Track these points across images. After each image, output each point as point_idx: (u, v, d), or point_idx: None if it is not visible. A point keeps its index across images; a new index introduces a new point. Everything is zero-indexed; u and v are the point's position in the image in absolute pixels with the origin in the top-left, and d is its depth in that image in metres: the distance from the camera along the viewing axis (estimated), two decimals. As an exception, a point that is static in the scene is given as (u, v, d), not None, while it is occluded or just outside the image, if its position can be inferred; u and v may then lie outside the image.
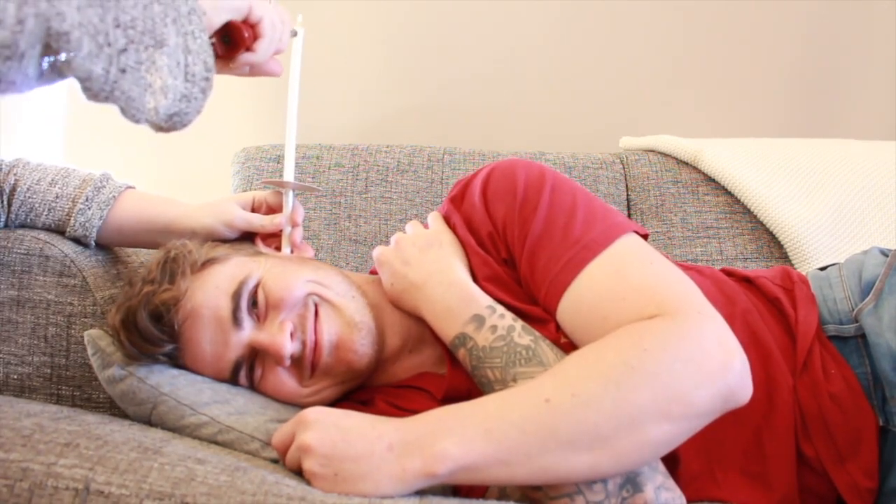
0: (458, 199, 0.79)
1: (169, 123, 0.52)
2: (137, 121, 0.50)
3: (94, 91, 0.47)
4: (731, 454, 0.72)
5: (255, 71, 0.69)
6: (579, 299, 0.67)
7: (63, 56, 0.44)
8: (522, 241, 0.72)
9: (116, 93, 0.47)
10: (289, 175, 0.86)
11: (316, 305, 0.75)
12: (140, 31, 0.47)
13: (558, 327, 0.70)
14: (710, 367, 0.59)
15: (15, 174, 0.86)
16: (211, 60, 0.54)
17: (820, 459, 0.72)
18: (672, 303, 0.63)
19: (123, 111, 0.49)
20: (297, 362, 0.74)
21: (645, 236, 0.73)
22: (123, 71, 0.47)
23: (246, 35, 0.63)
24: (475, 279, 0.75)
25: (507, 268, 0.75)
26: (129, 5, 0.47)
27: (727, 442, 0.72)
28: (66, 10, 0.43)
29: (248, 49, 0.65)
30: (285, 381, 0.74)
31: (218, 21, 0.60)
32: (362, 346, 0.75)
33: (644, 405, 0.57)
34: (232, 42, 0.63)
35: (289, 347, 0.71)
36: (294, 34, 0.83)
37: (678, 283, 0.67)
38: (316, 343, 0.73)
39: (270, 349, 0.72)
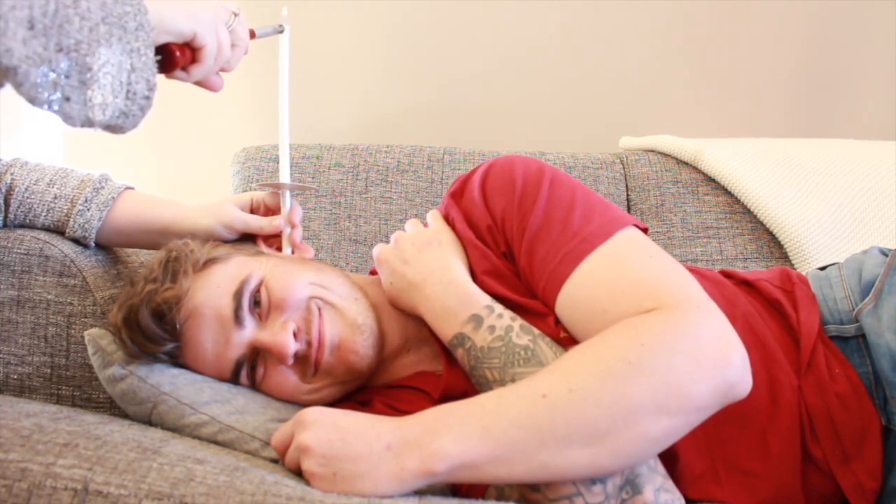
0: (458, 194, 0.79)
1: (101, 130, 0.53)
2: (71, 125, 0.51)
3: (35, 104, 0.48)
4: (736, 454, 0.72)
5: (196, 82, 0.70)
6: (578, 292, 0.67)
7: (8, 84, 0.46)
8: (521, 235, 0.72)
9: (55, 108, 0.49)
10: (284, 176, 0.87)
11: (319, 309, 0.75)
12: (84, 54, 0.48)
13: (557, 321, 0.70)
14: (709, 361, 0.59)
15: (11, 174, 0.86)
16: (154, 79, 0.55)
17: (826, 460, 0.72)
18: (671, 296, 0.63)
19: (59, 116, 0.50)
20: (301, 360, 0.74)
21: (645, 231, 0.73)
22: (68, 99, 0.48)
23: (178, 58, 0.63)
24: (474, 273, 0.75)
25: (506, 261, 0.75)
26: (74, 29, 0.48)
27: (731, 442, 0.72)
28: (13, 46, 0.44)
29: (183, 70, 0.66)
30: (288, 377, 0.74)
31: (158, 41, 0.60)
32: (364, 348, 0.75)
33: (642, 400, 0.57)
34: (164, 62, 0.63)
35: (292, 346, 0.72)
36: (281, 30, 0.83)
37: (677, 276, 0.67)
38: (319, 342, 0.73)
39: (273, 348, 0.72)
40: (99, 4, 0.49)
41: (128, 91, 0.52)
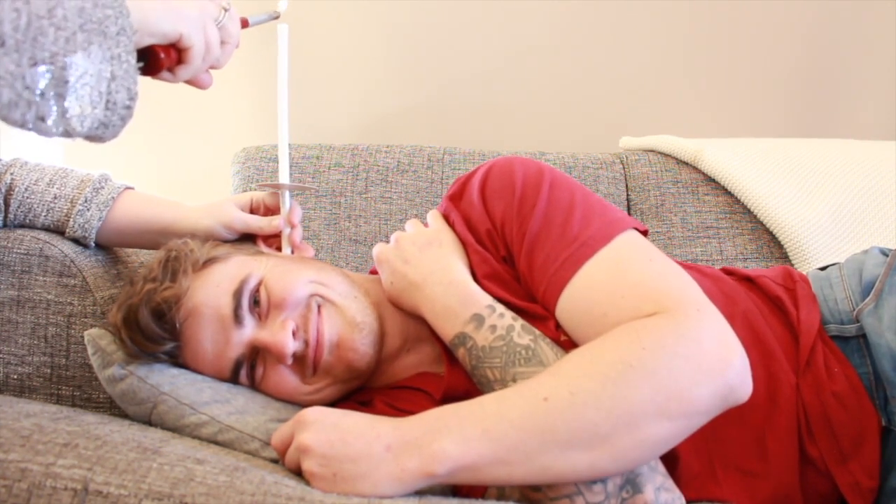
0: (457, 196, 0.79)
1: (82, 140, 0.51)
2: (48, 137, 0.49)
3: (8, 123, 0.46)
4: (733, 453, 0.72)
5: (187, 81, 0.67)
6: (578, 296, 0.67)
7: None
8: (521, 239, 0.72)
9: (29, 126, 0.46)
10: (284, 176, 0.87)
11: (319, 306, 0.75)
12: (60, 66, 0.46)
13: (558, 325, 0.70)
14: (709, 365, 0.59)
15: (11, 174, 0.86)
16: (135, 87, 0.52)
17: (823, 459, 0.72)
18: (671, 300, 0.63)
19: (34, 133, 0.48)
20: (300, 360, 0.74)
21: (644, 232, 0.73)
22: (42, 119, 0.46)
23: (163, 60, 0.60)
24: (474, 277, 0.75)
25: (506, 265, 0.75)
26: (49, 41, 0.45)
27: (729, 441, 0.72)
28: None
29: (169, 71, 0.63)
30: (287, 378, 0.74)
31: (141, 43, 0.57)
32: (363, 346, 0.75)
33: (642, 403, 0.57)
34: (148, 64, 0.60)
35: (291, 346, 0.71)
36: (276, 16, 0.81)
37: (677, 280, 0.67)
38: (318, 341, 0.73)
39: (273, 348, 0.72)
40: (76, 10, 0.47)
41: (107, 101, 0.50)
